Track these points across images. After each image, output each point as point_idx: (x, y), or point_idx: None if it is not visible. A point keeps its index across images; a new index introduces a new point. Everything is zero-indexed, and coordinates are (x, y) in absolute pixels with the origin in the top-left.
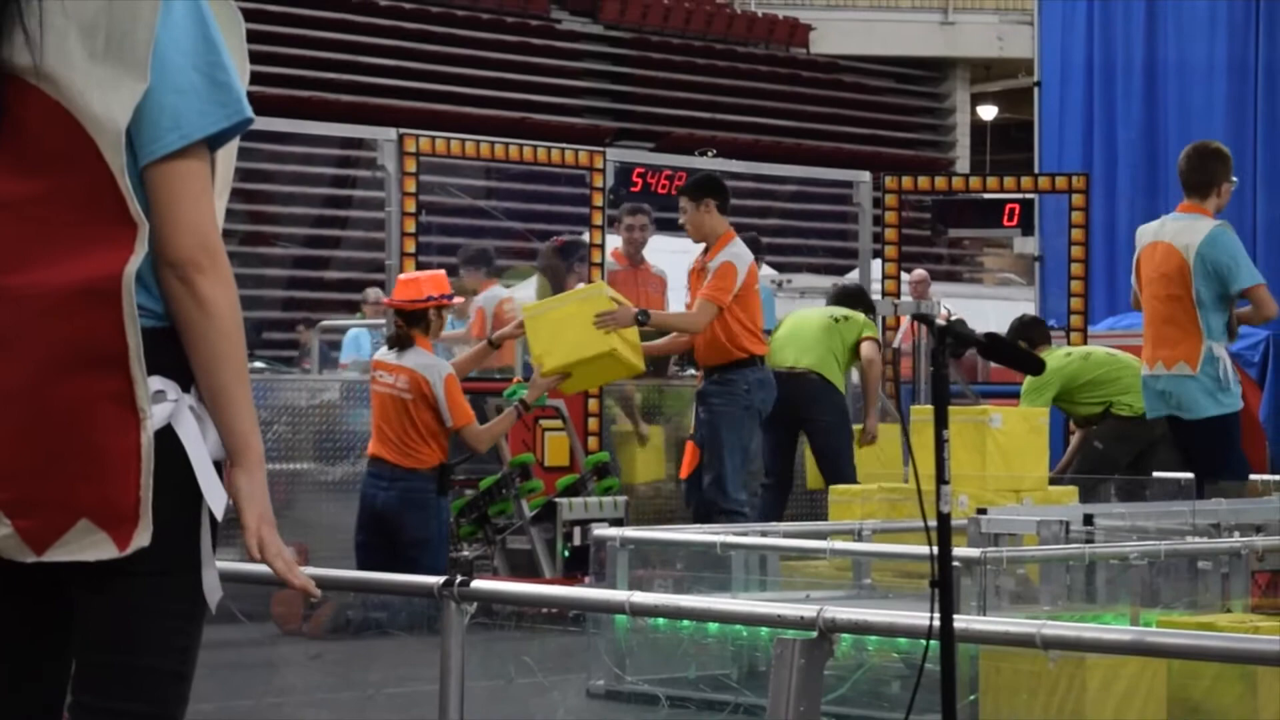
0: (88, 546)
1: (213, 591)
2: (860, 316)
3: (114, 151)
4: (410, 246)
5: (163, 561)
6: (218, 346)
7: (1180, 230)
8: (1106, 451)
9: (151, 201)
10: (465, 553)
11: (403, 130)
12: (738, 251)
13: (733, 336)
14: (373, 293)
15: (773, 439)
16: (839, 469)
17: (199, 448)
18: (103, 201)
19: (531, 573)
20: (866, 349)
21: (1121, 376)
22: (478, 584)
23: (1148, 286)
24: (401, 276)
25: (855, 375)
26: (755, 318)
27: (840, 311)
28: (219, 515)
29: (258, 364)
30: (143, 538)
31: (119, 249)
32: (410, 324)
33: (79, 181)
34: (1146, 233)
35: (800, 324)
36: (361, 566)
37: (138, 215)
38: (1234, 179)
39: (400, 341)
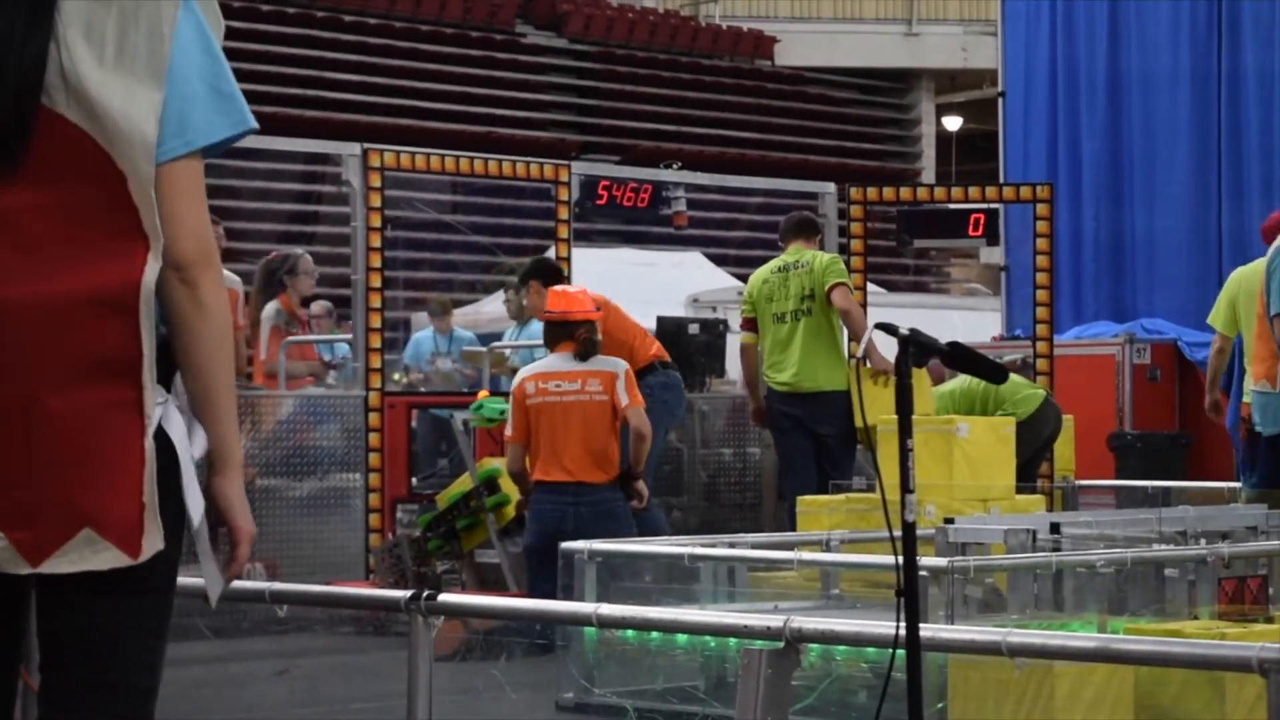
0: (89, 556)
1: (214, 584)
2: (813, 256)
3: (145, 161)
4: (376, 261)
5: (148, 578)
6: (213, 351)
7: (1273, 250)
8: None
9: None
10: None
11: (367, 145)
12: None
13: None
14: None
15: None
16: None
17: (187, 451)
18: (111, 214)
19: (501, 587)
20: (838, 300)
21: (996, 391)
22: (445, 598)
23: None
24: (568, 290)
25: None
26: (625, 337)
27: (792, 259)
28: (195, 521)
29: None
30: (155, 542)
31: (132, 260)
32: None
33: (86, 195)
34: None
35: (785, 337)
36: (534, 586)
37: (152, 228)
38: None
39: (587, 350)
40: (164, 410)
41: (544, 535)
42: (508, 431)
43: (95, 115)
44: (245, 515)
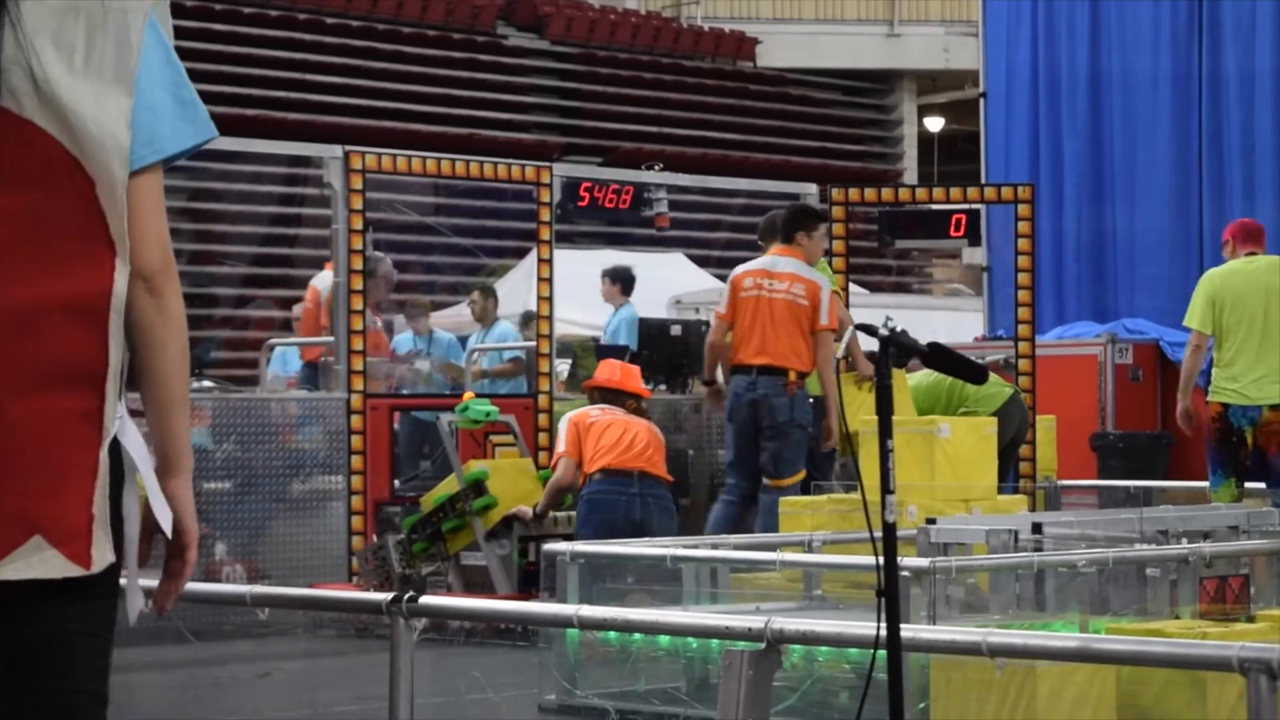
0: (36, 564)
1: (135, 605)
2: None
3: (119, 166)
4: (357, 264)
5: (98, 586)
6: (176, 358)
7: None
8: None
9: None
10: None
11: (349, 147)
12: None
13: None
14: (299, 308)
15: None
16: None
17: (147, 464)
18: (78, 221)
19: (487, 589)
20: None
21: (961, 387)
22: (426, 600)
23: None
24: (628, 366)
25: None
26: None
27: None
28: (169, 532)
29: (207, 383)
30: (105, 553)
31: (101, 267)
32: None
33: (54, 201)
34: None
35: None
36: None
37: (119, 235)
38: None
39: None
40: (120, 424)
41: (606, 526)
42: (559, 448)
43: (66, 120)
44: (194, 518)
